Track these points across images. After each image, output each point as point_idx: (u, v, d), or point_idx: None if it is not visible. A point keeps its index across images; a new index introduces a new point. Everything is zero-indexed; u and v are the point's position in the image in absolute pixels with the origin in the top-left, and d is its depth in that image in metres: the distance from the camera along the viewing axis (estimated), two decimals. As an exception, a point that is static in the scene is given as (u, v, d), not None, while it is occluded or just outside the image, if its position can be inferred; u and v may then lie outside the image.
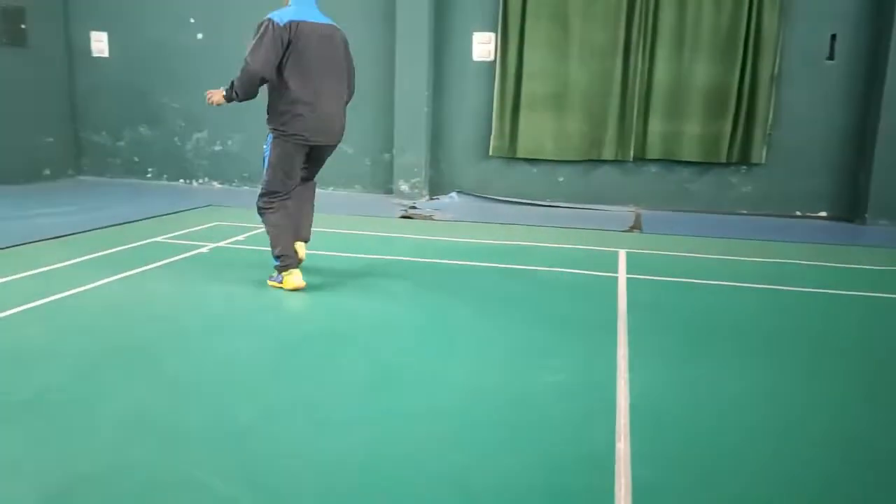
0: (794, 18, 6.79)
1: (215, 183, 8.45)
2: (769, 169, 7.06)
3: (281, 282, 3.84)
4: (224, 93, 3.71)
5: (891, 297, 4.08)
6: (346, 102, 4.04)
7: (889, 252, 5.44)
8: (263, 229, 3.97)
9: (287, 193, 3.86)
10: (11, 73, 7.69)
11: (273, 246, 3.83)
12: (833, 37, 6.74)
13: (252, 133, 8.17)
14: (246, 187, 8.30)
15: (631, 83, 7.13)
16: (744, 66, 6.87)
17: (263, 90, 3.81)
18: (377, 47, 7.62)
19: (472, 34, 7.52)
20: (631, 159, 7.28)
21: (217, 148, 8.36)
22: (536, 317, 3.54)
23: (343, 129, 4.00)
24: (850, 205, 6.89)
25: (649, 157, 7.28)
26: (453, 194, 7.75)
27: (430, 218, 6.52)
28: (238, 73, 3.63)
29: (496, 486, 1.94)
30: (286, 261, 3.82)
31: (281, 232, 3.82)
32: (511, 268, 4.59)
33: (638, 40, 7.05)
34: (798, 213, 7.08)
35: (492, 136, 7.55)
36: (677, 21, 6.96)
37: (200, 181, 8.49)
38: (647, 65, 7.11)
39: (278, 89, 3.69)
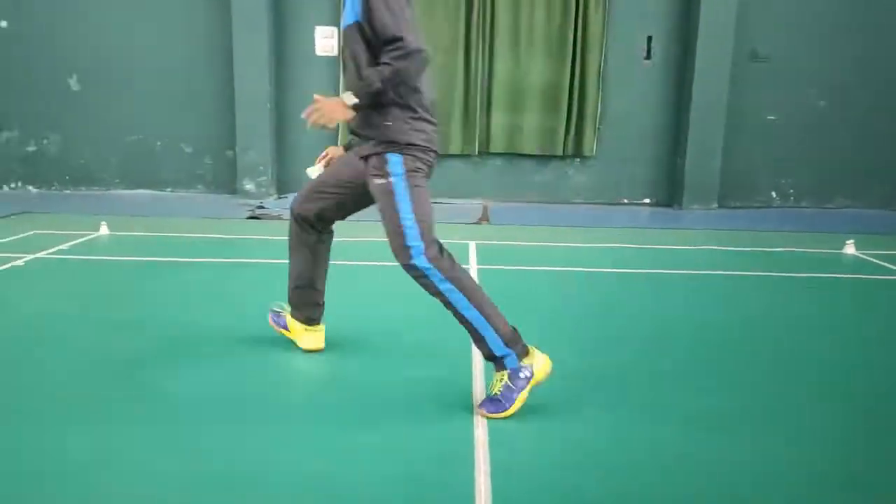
0: (615, 21, 7.37)
1: (31, 187, 7.59)
2: (599, 160, 7.62)
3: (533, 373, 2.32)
4: (355, 99, 2.29)
5: (707, 274, 4.56)
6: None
7: (701, 233, 6.09)
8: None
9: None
10: None
11: (488, 321, 2.32)
12: (649, 38, 7.40)
13: (71, 131, 7.46)
14: (68, 191, 7.55)
15: (473, 80, 7.39)
16: (573, 64, 7.37)
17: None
18: (213, 38, 7.24)
19: (314, 28, 7.37)
20: (476, 153, 7.54)
21: (31, 149, 7.51)
22: (387, 313, 3.55)
23: None
24: (669, 192, 7.62)
25: (493, 151, 7.59)
26: (302, 192, 7.56)
27: (278, 218, 6.32)
28: (391, 64, 2.22)
29: (354, 489, 1.93)
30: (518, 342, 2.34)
31: (482, 295, 2.36)
32: (364, 265, 4.57)
33: (477, 38, 7.32)
34: (625, 200, 7.71)
35: (339, 133, 7.46)
36: (513, 20, 7.32)
37: (12, 186, 7.60)
38: (487, 62, 7.41)
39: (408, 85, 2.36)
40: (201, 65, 7.33)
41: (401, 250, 2.35)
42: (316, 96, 2.35)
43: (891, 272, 4.67)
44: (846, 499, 1.94)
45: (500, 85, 7.44)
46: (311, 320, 2.84)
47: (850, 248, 5.17)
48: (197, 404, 2.40)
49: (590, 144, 7.51)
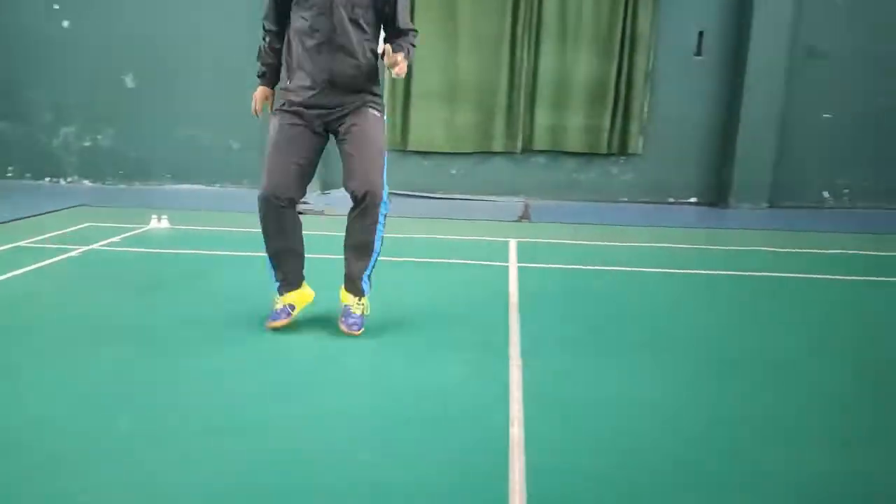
0: (665, 15, 7.21)
1: (86, 181, 7.87)
2: (645, 159, 7.48)
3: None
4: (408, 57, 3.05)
5: (760, 276, 4.43)
6: None
7: (752, 233, 5.92)
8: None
9: None
10: None
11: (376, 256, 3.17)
12: (700, 34, 7.23)
13: (125, 127, 7.70)
14: (122, 185, 7.79)
15: (517, 75, 7.33)
16: (621, 61, 7.24)
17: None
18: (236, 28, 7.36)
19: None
20: (519, 151, 7.48)
21: (87, 143, 7.78)
22: (428, 307, 3.56)
23: None
24: (717, 191, 7.43)
25: (537, 149, 7.52)
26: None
27: (321, 213, 6.40)
28: (412, 41, 3.13)
29: (398, 479, 1.94)
30: None
31: None
32: (403, 260, 4.58)
33: (523, 33, 7.24)
34: (671, 199, 7.55)
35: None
36: (559, 15, 7.22)
37: (69, 179, 7.88)
38: (532, 57, 7.33)
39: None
40: (251, 60, 7.46)
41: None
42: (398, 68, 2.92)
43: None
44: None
45: (545, 81, 7.35)
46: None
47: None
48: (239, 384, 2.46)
49: (635, 142, 7.38)
